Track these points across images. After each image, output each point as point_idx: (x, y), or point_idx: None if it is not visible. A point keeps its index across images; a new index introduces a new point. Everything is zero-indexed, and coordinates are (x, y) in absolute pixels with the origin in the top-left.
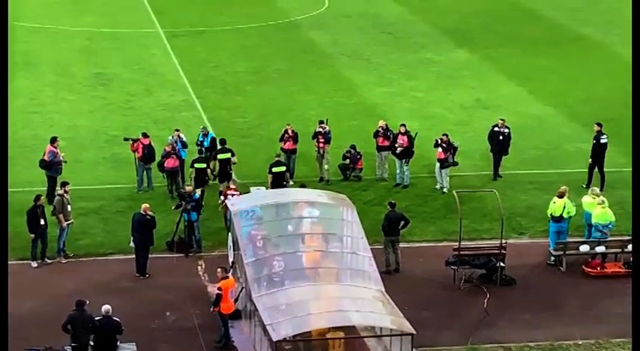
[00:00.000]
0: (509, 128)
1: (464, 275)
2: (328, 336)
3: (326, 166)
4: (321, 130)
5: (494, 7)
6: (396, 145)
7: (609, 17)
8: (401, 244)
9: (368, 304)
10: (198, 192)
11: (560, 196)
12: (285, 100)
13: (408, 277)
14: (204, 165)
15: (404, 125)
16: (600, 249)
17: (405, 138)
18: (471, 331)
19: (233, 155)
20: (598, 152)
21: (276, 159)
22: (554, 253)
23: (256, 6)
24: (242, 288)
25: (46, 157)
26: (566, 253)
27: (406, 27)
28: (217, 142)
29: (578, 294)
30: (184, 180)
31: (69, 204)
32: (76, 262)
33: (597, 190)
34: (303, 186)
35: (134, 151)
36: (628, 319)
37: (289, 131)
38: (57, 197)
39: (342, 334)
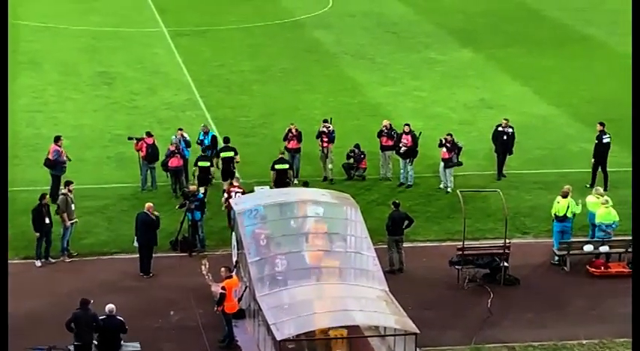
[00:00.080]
0: (513, 128)
1: (468, 275)
2: (332, 335)
3: (330, 166)
4: (325, 129)
5: (498, 7)
6: (400, 145)
7: (614, 18)
8: (405, 244)
9: (372, 303)
10: (202, 190)
11: (564, 196)
12: (290, 99)
13: (411, 276)
14: (208, 163)
15: (408, 125)
16: (604, 249)
17: (409, 137)
18: (475, 330)
19: (236, 154)
20: (601, 152)
21: (280, 156)
22: (558, 252)
23: (261, 5)
24: (246, 287)
25: (50, 156)
26: (570, 252)
27: (410, 26)
28: (218, 141)
29: (581, 294)
30: (188, 179)
31: (73, 203)
32: (80, 261)
33: (601, 189)
34: (306, 184)
35: (138, 151)
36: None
37: (293, 130)
38: (61, 196)
39: (345, 334)
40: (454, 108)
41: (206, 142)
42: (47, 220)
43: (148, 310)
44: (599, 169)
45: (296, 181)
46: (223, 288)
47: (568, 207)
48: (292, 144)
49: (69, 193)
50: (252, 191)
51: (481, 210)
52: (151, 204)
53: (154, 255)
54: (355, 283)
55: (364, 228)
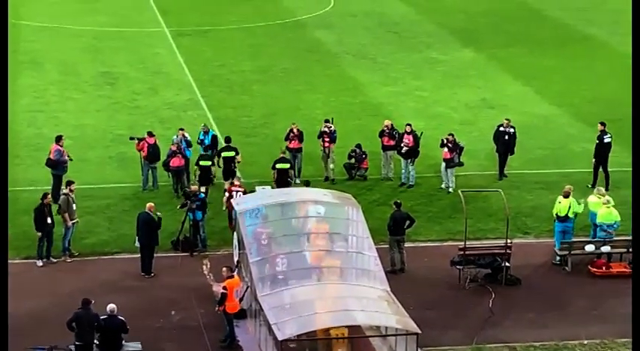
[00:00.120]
0: (514, 128)
1: (469, 275)
2: (333, 335)
3: (331, 166)
4: (326, 129)
5: (500, 7)
6: (402, 145)
7: (615, 17)
8: (406, 244)
9: (373, 303)
10: (203, 190)
11: (566, 196)
12: (291, 99)
13: (413, 276)
14: (209, 163)
15: (409, 125)
16: (606, 249)
17: (411, 137)
18: (476, 330)
19: (237, 153)
20: (602, 152)
21: (282, 155)
22: (559, 252)
23: (262, 5)
24: (247, 287)
25: (52, 156)
26: (572, 252)
27: (412, 26)
28: (219, 140)
29: (583, 294)
30: (189, 179)
31: (74, 203)
32: (82, 260)
33: (603, 189)
34: (307, 183)
35: (140, 150)
36: None
37: (294, 130)
38: (62, 196)
39: (347, 334)
40: (455, 108)
41: (206, 141)
42: (49, 220)
43: (150, 310)
44: (600, 169)
45: (298, 181)
46: (225, 288)
47: (569, 207)
48: (294, 144)
49: (70, 193)
50: (253, 191)
51: (482, 210)
52: (152, 204)
53: (155, 255)
54: (356, 283)
55: (366, 228)
